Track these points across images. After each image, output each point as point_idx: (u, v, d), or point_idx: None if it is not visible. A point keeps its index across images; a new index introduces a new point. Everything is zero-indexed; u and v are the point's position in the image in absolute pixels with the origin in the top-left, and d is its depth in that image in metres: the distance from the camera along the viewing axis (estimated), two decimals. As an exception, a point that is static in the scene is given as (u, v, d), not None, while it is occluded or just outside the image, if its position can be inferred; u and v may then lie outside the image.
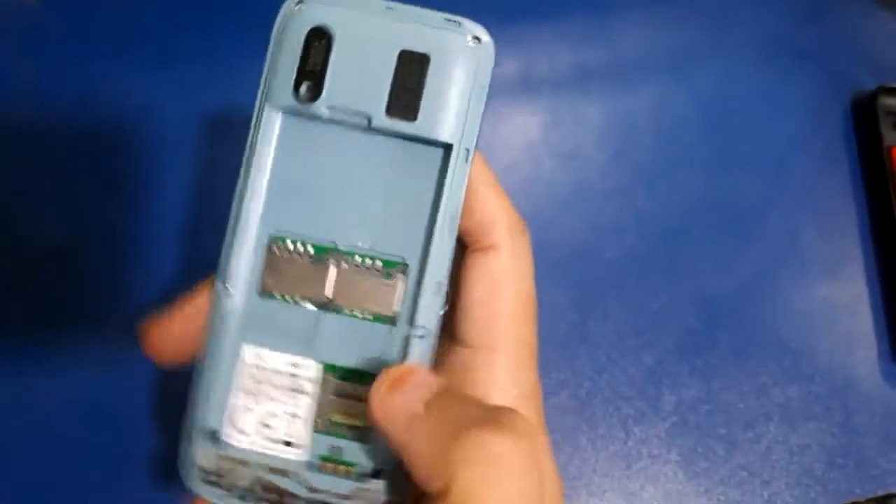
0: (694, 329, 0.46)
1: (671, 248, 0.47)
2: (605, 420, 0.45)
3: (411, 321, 0.25)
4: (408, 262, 0.25)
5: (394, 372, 0.24)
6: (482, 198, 0.25)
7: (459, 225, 0.25)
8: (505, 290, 0.25)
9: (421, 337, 0.25)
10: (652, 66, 0.50)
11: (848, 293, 0.48)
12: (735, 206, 0.49)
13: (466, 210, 0.25)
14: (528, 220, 0.49)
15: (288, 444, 0.25)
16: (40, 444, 0.41)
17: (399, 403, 0.23)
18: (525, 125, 0.49)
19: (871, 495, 0.45)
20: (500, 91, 0.49)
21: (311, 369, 0.25)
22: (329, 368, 0.25)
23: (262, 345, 0.25)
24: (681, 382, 0.45)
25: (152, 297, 0.42)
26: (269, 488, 0.25)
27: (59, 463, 0.41)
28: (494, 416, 0.22)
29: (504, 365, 0.25)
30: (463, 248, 0.26)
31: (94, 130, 0.46)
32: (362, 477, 0.25)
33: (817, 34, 0.52)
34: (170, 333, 0.25)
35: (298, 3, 0.24)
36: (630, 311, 0.46)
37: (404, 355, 0.25)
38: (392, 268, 0.25)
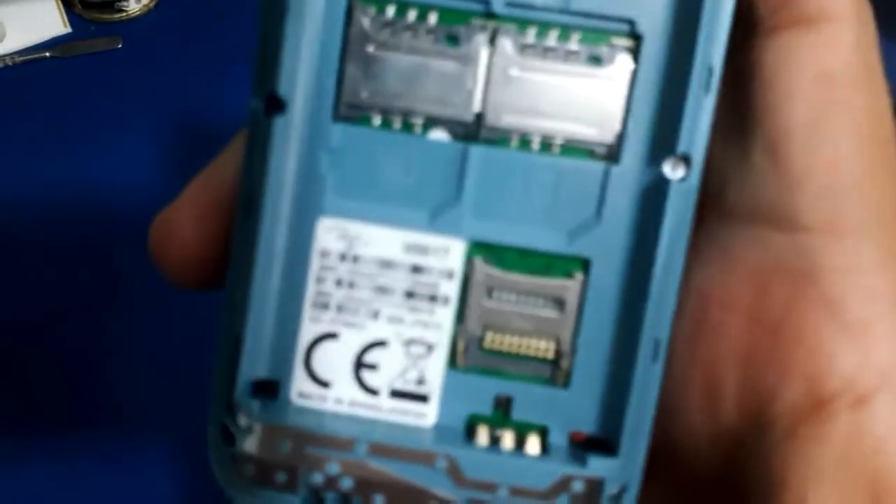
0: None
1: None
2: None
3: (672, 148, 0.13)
4: (642, 32, 0.13)
5: None
6: None
7: None
8: (850, 105, 0.14)
9: (682, 180, 0.13)
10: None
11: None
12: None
13: None
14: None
15: (409, 396, 0.14)
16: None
17: None
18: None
19: None
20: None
21: (449, 255, 0.14)
22: (482, 251, 0.14)
23: (352, 214, 0.14)
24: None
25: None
26: (374, 483, 0.14)
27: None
28: None
29: (867, 247, 0.14)
30: (744, 25, 0.14)
31: (117, 190, 0.48)
32: (564, 453, 0.14)
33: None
34: (189, 225, 0.15)
35: None
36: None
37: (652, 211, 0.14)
38: (599, 65, 0.14)
